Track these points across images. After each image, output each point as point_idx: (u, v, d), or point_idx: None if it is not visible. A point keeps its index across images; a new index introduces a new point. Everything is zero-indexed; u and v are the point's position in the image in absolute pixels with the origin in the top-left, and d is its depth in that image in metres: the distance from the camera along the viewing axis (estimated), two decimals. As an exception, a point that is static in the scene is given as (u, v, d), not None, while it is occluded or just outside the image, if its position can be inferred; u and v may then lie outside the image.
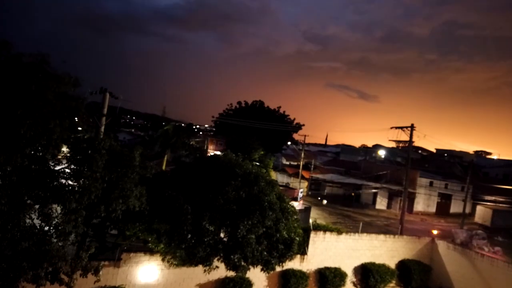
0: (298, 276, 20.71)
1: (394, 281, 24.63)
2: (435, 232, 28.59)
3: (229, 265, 14.91)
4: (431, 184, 49.27)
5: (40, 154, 9.94)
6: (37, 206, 9.89)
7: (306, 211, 26.26)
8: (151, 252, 16.65)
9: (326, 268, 22.36)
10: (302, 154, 54.21)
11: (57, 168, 10.54)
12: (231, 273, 17.14)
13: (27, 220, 9.75)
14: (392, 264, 25.08)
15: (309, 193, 51.57)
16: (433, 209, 49.07)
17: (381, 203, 47.91)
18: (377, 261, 24.42)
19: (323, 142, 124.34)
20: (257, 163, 32.42)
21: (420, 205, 48.11)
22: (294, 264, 20.57)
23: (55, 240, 10.05)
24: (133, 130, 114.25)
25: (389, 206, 48.14)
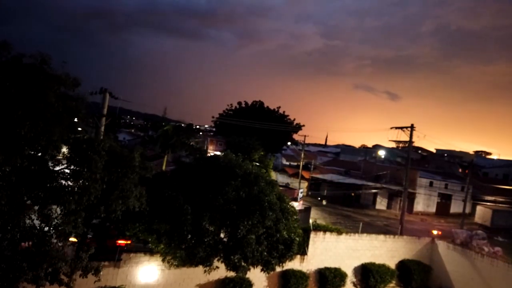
0: (298, 276, 20.70)
1: (394, 281, 24.62)
2: (435, 232, 28.55)
3: (229, 266, 14.92)
4: (431, 184, 49.24)
5: (40, 154, 9.94)
6: (36, 207, 9.89)
7: (306, 211, 26.27)
8: (151, 252, 16.65)
9: (326, 268, 22.35)
10: (302, 154, 54.21)
11: (57, 168, 10.54)
12: (231, 274, 17.13)
13: (27, 221, 9.75)
14: (392, 264, 25.07)
15: (309, 193, 51.57)
16: (433, 209, 49.04)
17: (381, 203, 47.87)
18: (377, 261, 24.40)
19: (323, 142, 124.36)
20: (257, 164, 32.39)
21: (420, 205, 48.08)
22: (294, 264, 20.55)
23: (55, 241, 10.05)
24: (133, 130, 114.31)
25: (389, 206, 48.11)
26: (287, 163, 72.96)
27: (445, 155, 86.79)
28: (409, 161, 31.99)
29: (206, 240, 14.16)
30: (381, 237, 25.68)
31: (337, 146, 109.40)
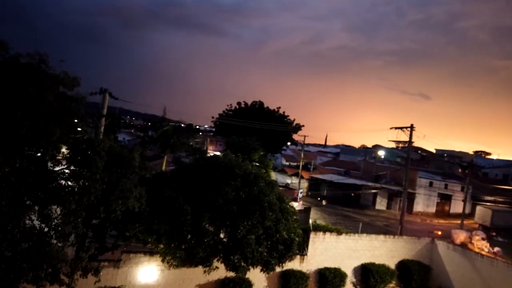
0: (298, 276, 20.70)
1: (394, 282, 24.61)
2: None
3: (229, 266, 14.92)
4: (430, 184, 49.27)
5: (40, 155, 9.93)
6: (36, 207, 9.89)
7: (306, 211, 26.25)
8: (151, 253, 16.65)
9: (326, 269, 22.35)
10: (302, 155, 54.24)
11: (57, 169, 10.54)
12: (231, 274, 17.12)
13: (27, 221, 9.75)
14: (392, 264, 25.07)
15: (309, 193, 51.58)
16: (432, 209, 49.07)
17: (380, 204, 47.90)
18: (377, 262, 24.40)
19: (323, 143, 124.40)
20: (257, 164, 32.40)
21: (420, 205, 48.11)
22: (294, 264, 20.55)
23: (54, 241, 10.05)
24: (132, 130, 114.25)
25: (388, 206, 48.14)
26: (287, 163, 72.95)
27: (445, 155, 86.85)
28: (409, 161, 32.00)
29: (206, 240, 14.16)
30: (381, 237, 25.68)
31: (336, 146, 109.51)
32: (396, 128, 30.27)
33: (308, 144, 76.57)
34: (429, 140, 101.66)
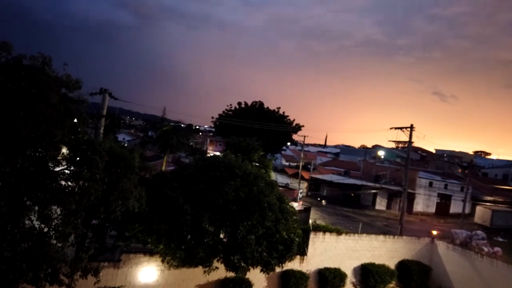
0: (298, 276, 20.71)
1: (394, 282, 24.62)
2: (434, 232, 28.61)
3: (229, 266, 14.91)
4: (430, 184, 49.28)
5: (40, 155, 9.93)
6: (36, 208, 9.88)
7: (305, 211, 26.25)
8: (150, 253, 16.65)
9: (326, 269, 22.36)
10: (302, 155, 54.29)
11: (57, 169, 10.53)
12: (231, 274, 17.12)
13: (27, 222, 9.75)
14: (391, 264, 25.07)
15: (309, 193, 51.59)
16: (432, 209, 49.07)
17: (380, 204, 47.93)
18: (377, 262, 24.41)
19: (323, 143, 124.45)
20: (257, 164, 32.38)
21: (419, 205, 48.12)
22: (293, 264, 20.56)
23: (54, 242, 10.05)
24: (132, 131, 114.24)
25: (388, 206, 48.16)
26: (287, 163, 73.04)
27: (445, 155, 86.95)
28: (409, 161, 32.00)
29: (205, 240, 14.15)
30: (381, 237, 25.68)
31: (336, 146, 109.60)
32: (396, 128, 30.27)
33: (308, 144, 76.67)
34: (429, 140, 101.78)
